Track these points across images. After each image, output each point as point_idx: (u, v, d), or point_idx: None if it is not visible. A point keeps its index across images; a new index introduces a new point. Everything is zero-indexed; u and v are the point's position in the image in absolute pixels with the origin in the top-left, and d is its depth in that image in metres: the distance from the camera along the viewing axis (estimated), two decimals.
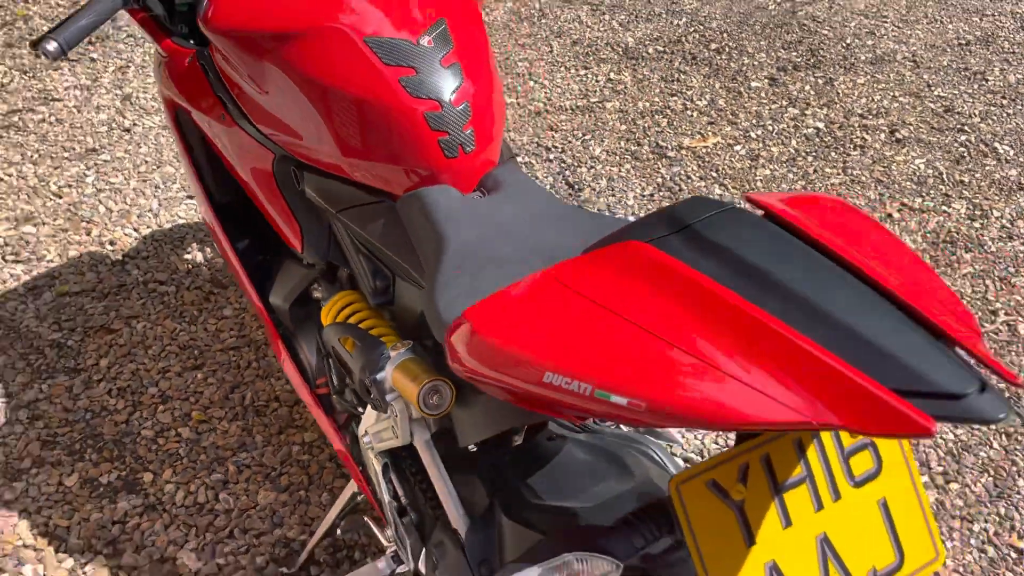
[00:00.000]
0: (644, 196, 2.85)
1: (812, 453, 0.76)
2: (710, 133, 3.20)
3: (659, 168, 2.98)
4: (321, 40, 1.15)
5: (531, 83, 3.42)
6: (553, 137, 3.11)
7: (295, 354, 1.52)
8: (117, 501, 1.75)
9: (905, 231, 2.69)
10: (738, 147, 3.11)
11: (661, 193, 2.87)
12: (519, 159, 2.97)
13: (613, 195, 2.84)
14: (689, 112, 3.31)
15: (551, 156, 3.00)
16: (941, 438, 2.03)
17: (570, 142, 3.09)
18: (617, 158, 3.03)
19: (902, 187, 2.92)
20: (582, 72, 3.53)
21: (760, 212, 0.79)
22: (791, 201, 0.81)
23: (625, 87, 3.45)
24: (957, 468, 1.94)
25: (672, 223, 0.77)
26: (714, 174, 2.97)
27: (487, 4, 3.99)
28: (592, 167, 2.97)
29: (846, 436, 0.80)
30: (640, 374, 0.66)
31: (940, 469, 1.95)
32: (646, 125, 3.21)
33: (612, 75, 3.53)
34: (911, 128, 3.25)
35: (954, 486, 1.90)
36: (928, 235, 2.69)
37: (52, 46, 1.37)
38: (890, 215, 2.78)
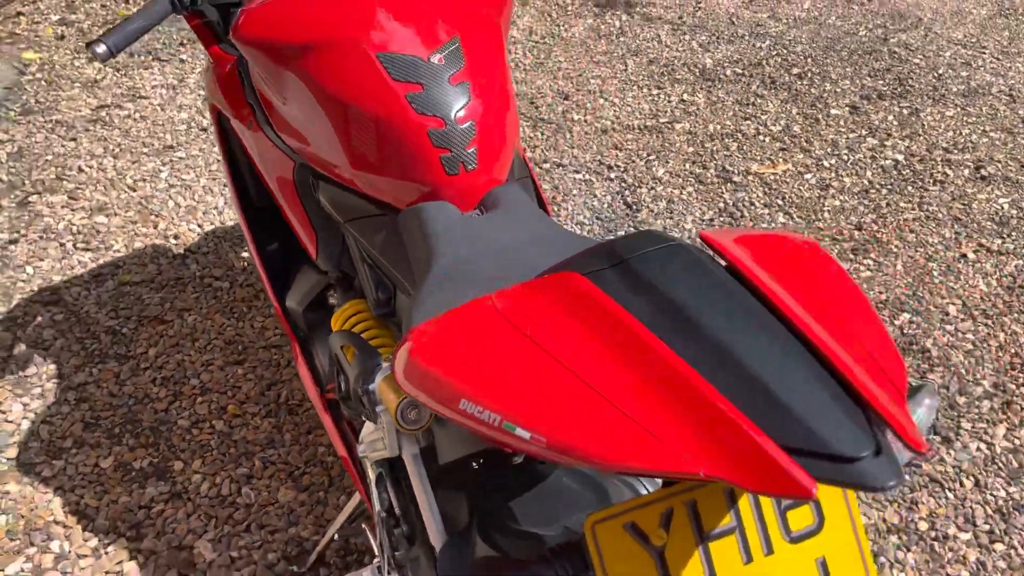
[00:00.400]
0: (703, 220, 2.79)
1: (744, 503, 0.73)
2: (781, 160, 3.12)
3: (723, 193, 2.92)
4: (336, 54, 1.17)
5: (601, 100, 3.40)
6: (617, 156, 3.08)
7: (309, 358, 1.54)
8: (146, 486, 1.82)
9: (979, 272, 2.56)
10: (809, 175, 3.02)
11: (721, 218, 2.80)
12: (579, 175, 2.96)
13: (671, 217, 2.79)
14: (761, 137, 3.23)
15: (612, 175, 2.98)
16: (992, 495, 1.92)
17: (633, 162, 3.05)
18: (680, 180, 2.98)
19: (981, 227, 2.77)
20: (655, 92, 3.49)
21: (711, 250, 0.76)
22: (747, 240, 0.78)
23: (697, 109, 3.39)
24: (1005, 528, 1.82)
25: (613, 256, 0.75)
26: (779, 202, 2.88)
27: (557, 18, 3.99)
28: (653, 188, 2.93)
29: None
30: (544, 409, 0.64)
31: (987, 527, 1.83)
32: (714, 148, 3.15)
33: (685, 96, 3.48)
34: (999, 165, 3.09)
35: (999, 547, 1.79)
36: (1004, 279, 2.54)
37: (101, 48, 1.43)
38: (964, 255, 2.65)
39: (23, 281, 2.34)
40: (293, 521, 1.76)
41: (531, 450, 0.65)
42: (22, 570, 1.65)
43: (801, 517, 0.74)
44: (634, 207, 2.84)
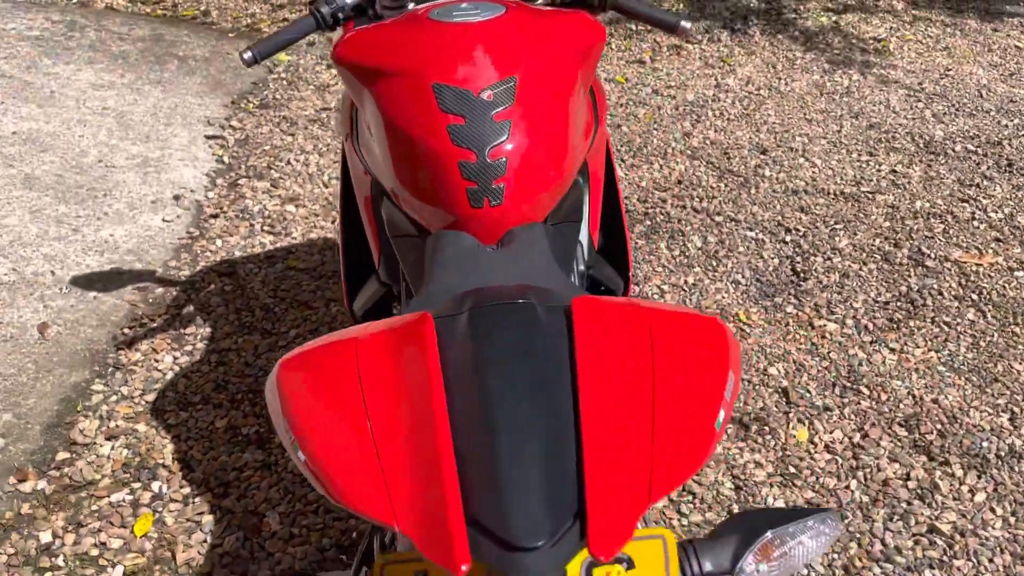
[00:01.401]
0: (875, 303, 2.56)
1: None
2: (991, 251, 2.79)
3: (909, 276, 2.66)
4: (400, 79, 1.23)
5: (801, 160, 3.23)
6: (800, 219, 2.91)
7: None
8: (245, 451, 1.99)
9: None
10: (1020, 273, 2.68)
11: (898, 303, 2.56)
12: (751, 233, 2.83)
13: (840, 293, 2.59)
14: (976, 223, 2.91)
15: (788, 238, 2.82)
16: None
17: (817, 228, 2.87)
18: (863, 255, 2.76)
19: None
20: (864, 158, 3.26)
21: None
22: (622, 311, 0.73)
23: (909, 182, 3.12)
24: None
25: (470, 303, 0.74)
26: (974, 296, 2.58)
27: (781, 71, 3.83)
28: (830, 259, 2.73)
29: None
30: (325, 448, 0.65)
31: None
32: (915, 227, 2.88)
33: (899, 167, 3.21)
34: None
35: None
36: None
37: (247, 55, 1.61)
38: None
39: (211, 252, 2.64)
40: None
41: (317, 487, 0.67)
42: (123, 500, 1.87)
43: None
44: (802, 275, 2.67)
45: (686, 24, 1.58)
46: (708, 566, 0.82)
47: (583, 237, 1.46)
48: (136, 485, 1.90)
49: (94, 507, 1.85)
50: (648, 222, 2.88)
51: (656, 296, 2.57)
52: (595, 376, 0.66)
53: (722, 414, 0.69)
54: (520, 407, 0.63)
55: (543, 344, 0.69)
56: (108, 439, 2.00)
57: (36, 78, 3.20)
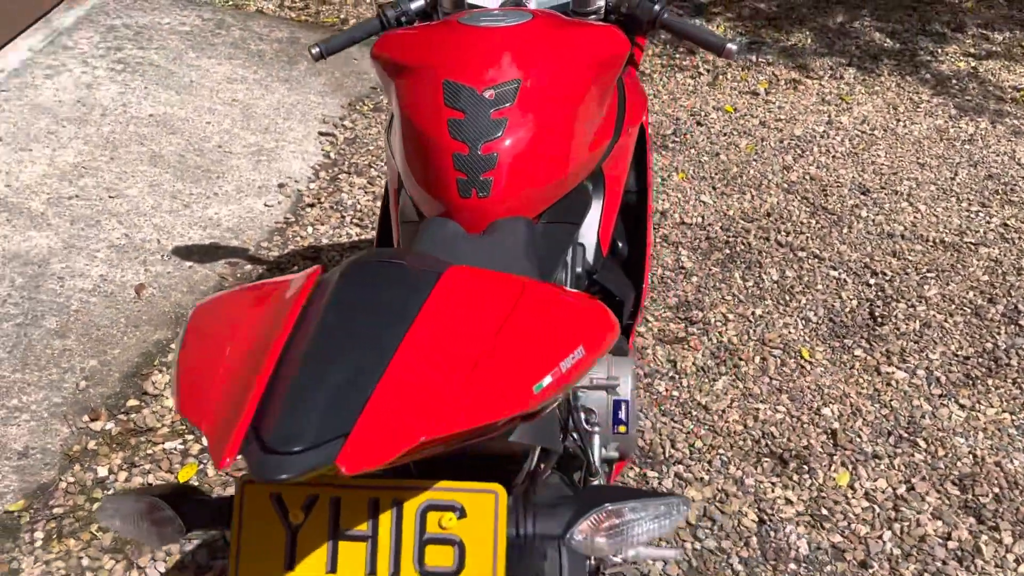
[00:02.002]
0: (954, 357, 2.44)
1: (386, 519, 0.72)
2: None
3: (998, 334, 2.52)
4: (418, 74, 1.32)
5: (904, 204, 3.10)
6: (889, 264, 2.80)
7: None
8: None
9: None
10: None
11: (979, 359, 2.43)
12: (834, 272, 2.75)
13: (917, 343, 2.48)
14: None
15: (872, 281, 2.72)
16: None
17: (906, 273, 2.75)
18: (952, 307, 2.62)
19: None
20: (974, 208, 3.09)
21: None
22: (486, 278, 0.78)
23: (1020, 238, 2.94)
24: None
25: (365, 258, 0.80)
26: None
27: (903, 112, 3.67)
28: (913, 307, 2.62)
29: (432, 522, 0.74)
30: (187, 370, 0.73)
31: None
32: (1016, 284, 2.72)
33: (1011, 221, 3.03)
34: None
35: None
36: None
37: (315, 51, 1.75)
38: None
39: (301, 237, 2.83)
40: None
41: None
42: (175, 449, 2.04)
43: (441, 555, 0.72)
44: (879, 320, 2.57)
45: (732, 46, 1.59)
46: (539, 527, 0.84)
47: (588, 240, 1.50)
48: (189, 437, 2.07)
49: (149, 451, 2.03)
50: (727, 251, 2.85)
51: (718, 324, 2.55)
52: (428, 328, 0.70)
53: (548, 380, 0.72)
54: (342, 343, 0.69)
55: (392, 296, 0.74)
56: None
57: (179, 68, 3.52)
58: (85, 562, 1.80)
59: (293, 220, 2.90)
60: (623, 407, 1.46)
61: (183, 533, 0.81)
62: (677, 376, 2.38)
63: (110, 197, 2.80)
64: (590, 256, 1.50)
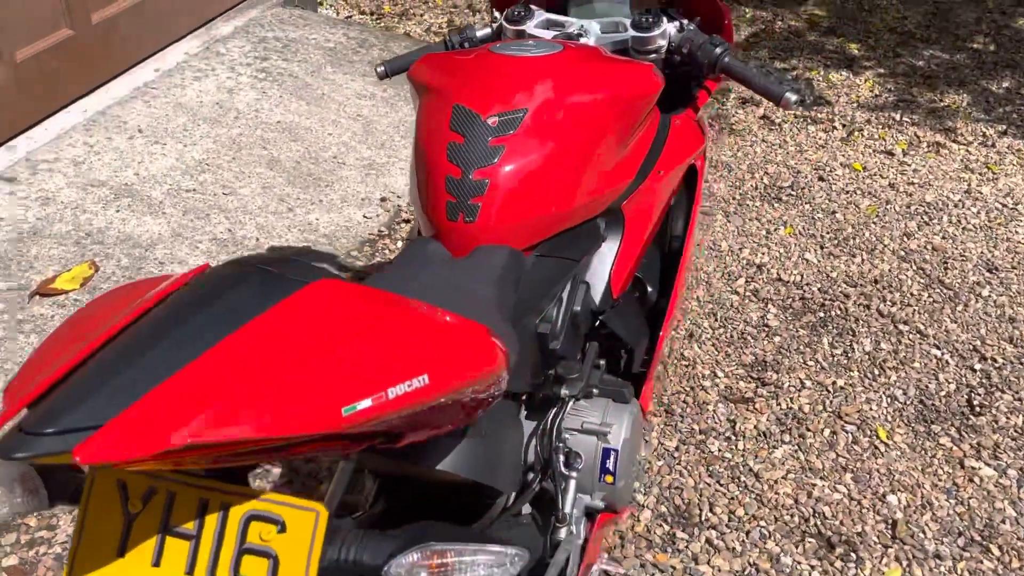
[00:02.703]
0: None
1: (211, 521, 0.71)
2: None
3: None
4: (435, 96, 1.33)
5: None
6: (1003, 350, 2.54)
7: None
8: None
9: None
10: None
11: None
12: (938, 352, 2.53)
13: (1015, 440, 2.24)
14: None
15: (978, 366, 2.48)
16: None
17: (1021, 364, 2.49)
18: None
19: None
20: None
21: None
22: (351, 293, 0.76)
23: None
24: None
25: (236, 261, 0.79)
26: None
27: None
28: (1021, 400, 2.37)
29: (254, 532, 0.72)
30: (38, 354, 0.75)
31: None
32: None
33: None
34: None
35: None
36: None
37: (380, 69, 1.81)
38: None
39: (390, 250, 2.91)
40: None
41: None
42: None
43: (256, 566, 0.71)
44: (976, 409, 2.34)
45: (791, 96, 1.52)
46: (362, 555, 0.80)
47: (596, 280, 1.46)
48: None
49: None
50: (821, 314, 2.69)
51: (792, 389, 2.40)
52: (255, 335, 0.69)
53: (365, 403, 0.69)
54: (157, 340, 0.69)
55: (235, 302, 0.73)
56: None
57: (315, 81, 3.72)
58: None
59: (386, 233, 2.99)
60: (612, 456, 1.40)
61: (47, 505, 0.84)
62: (734, 438, 2.26)
63: (224, 194, 2.98)
64: (596, 296, 1.45)
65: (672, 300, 1.62)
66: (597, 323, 1.47)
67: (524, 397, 1.43)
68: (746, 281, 2.83)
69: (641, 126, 1.46)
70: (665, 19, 1.63)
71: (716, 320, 2.65)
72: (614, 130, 1.35)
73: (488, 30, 1.79)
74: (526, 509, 1.40)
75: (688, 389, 2.40)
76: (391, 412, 0.71)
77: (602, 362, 1.53)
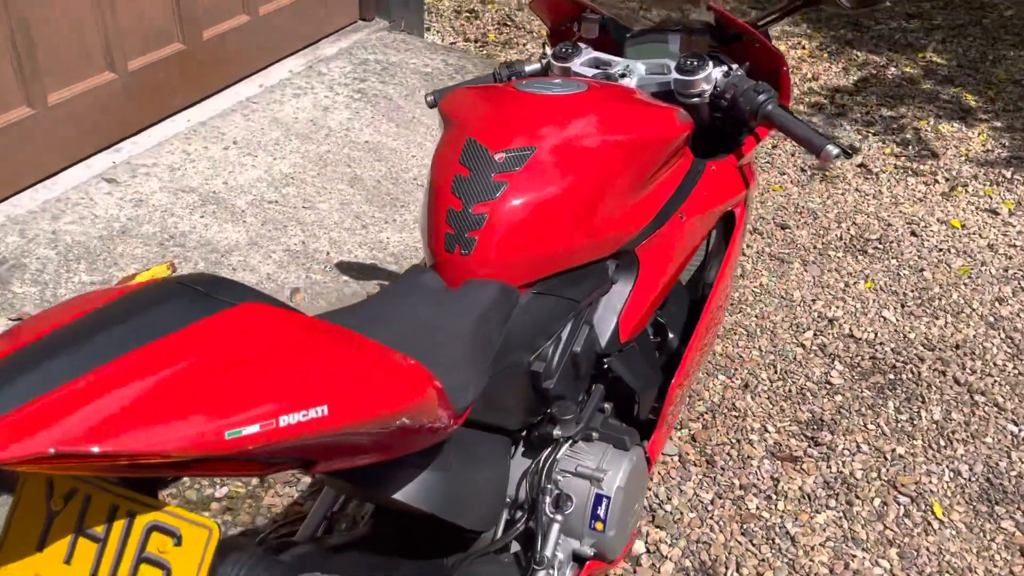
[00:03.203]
0: None
1: (118, 527, 0.73)
2: None
3: None
4: (454, 129, 1.35)
5: None
6: None
7: None
8: None
9: None
10: None
11: None
12: (1015, 428, 2.35)
13: None
14: None
15: None
16: None
17: None
18: None
19: None
20: None
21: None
22: (274, 317, 0.76)
23: None
24: None
25: (178, 277, 0.81)
26: None
27: None
28: None
29: (154, 542, 0.73)
30: None
31: None
32: None
33: None
34: None
35: None
36: None
37: (430, 98, 1.84)
38: None
39: None
40: None
41: None
42: None
43: (151, 575, 0.73)
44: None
45: (831, 149, 1.46)
46: (248, 574, 0.80)
47: (603, 322, 1.43)
48: None
49: None
50: (891, 376, 2.55)
51: (846, 453, 2.28)
52: (160, 352, 0.71)
53: (251, 429, 0.69)
54: (70, 347, 0.71)
55: (158, 316, 0.75)
56: None
57: (407, 104, 3.82)
58: None
59: None
60: (604, 503, 1.37)
61: None
62: (775, 497, 2.16)
63: (303, 207, 3.10)
64: (602, 338, 1.42)
65: (688, 349, 1.58)
66: (604, 366, 1.44)
67: (524, 434, 1.41)
68: (815, 334, 2.72)
69: (664, 169, 1.44)
70: (711, 63, 1.60)
71: (776, 372, 2.56)
72: (627, 172, 1.33)
73: (538, 65, 1.80)
74: (516, 548, 1.39)
75: (734, 441, 2.31)
76: (283, 440, 0.72)
77: (607, 406, 1.50)
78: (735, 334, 2.71)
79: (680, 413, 1.78)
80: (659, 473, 2.19)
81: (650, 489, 2.15)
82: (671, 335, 1.60)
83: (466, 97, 1.43)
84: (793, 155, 3.72)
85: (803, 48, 4.72)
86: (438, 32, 4.75)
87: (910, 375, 2.56)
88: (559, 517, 1.34)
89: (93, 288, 2.59)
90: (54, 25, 2.86)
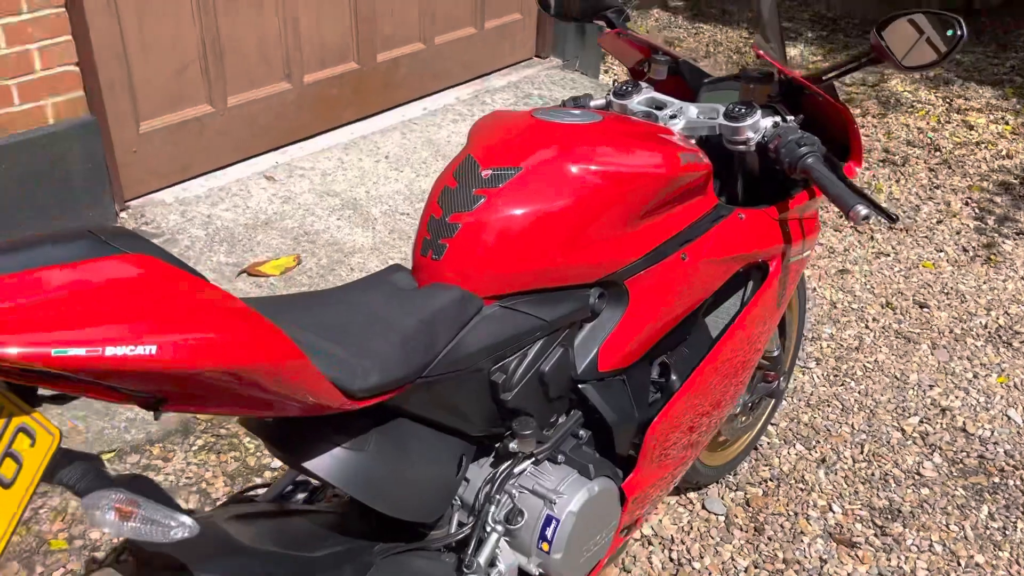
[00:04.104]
0: None
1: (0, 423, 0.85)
2: None
3: None
4: (464, 148, 1.42)
5: None
6: None
7: None
8: None
9: None
10: None
11: None
12: None
13: None
14: None
15: None
16: None
17: None
18: None
19: None
20: None
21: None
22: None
23: None
24: None
25: (91, 226, 0.93)
26: None
27: None
28: None
29: (18, 441, 0.84)
30: None
31: None
32: None
33: None
34: None
35: None
36: None
37: None
38: None
39: None
40: None
41: None
42: None
43: (10, 467, 0.84)
44: None
45: (861, 209, 1.40)
46: (78, 478, 0.89)
47: (582, 349, 1.43)
48: None
49: None
50: (995, 479, 2.30)
51: (915, 548, 2.08)
52: (34, 276, 0.82)
53: (76, 351, 0.74)
54: None
55: (56, 253, 0.86)
56: None
57: None
58: None
59: None
60: (553, 525, 1.38)
61: None
62: None
63: None
64: (579, 364, 1.43)
65: (677, 395, 1.53)
66: (580, 393, 1.44)
67: (497, 444, 1.44)
68: (920, 421, 2.50)
69: (667, 206, 1.42)
70: (759, 111, 1.57)
71: (862, 453, 2.38)
72: (616, 203, 1.33)
73: (603, 100, 1.84)
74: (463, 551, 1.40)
75: (791, 514, 2.18)
76: (107, 368, 0.81)
77: (583, 433, 1.49)
78: (829, 406, 2.55)
79: (685, 465, 1.71)
80: (697, 529, 2.12)
81: (682, 543, 2.08)
82: (674, 377, 1.57)
83: (489, 119, 1.50)
84: (958, 233, 3.45)
85: (1006, 124, 4.36)
86: (614, 74, 4.83)
87: (1019, 483, 2.29)
88: (500, 528, 1.36)
89: (227, 268, 2.89)
90: (242, 37, 3.24)
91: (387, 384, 1.13)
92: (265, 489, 1.49)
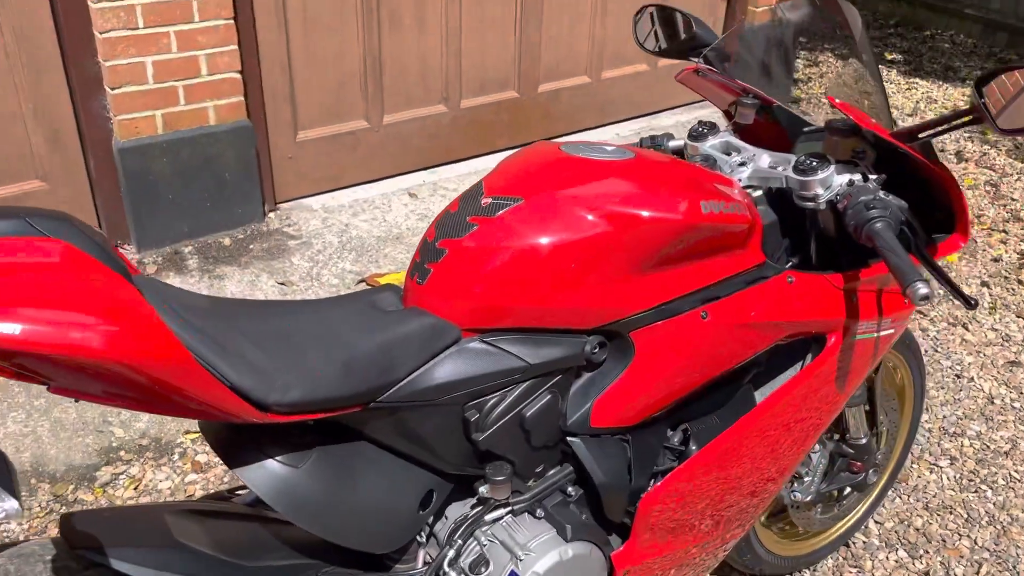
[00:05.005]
0: None
1: None
2: None
3: None
4: (484, 177, 1.37)
5: None
6: None
7: None
8: None
9: None
10: None
11: None
12: None
13: None
14: None
15: None
16: None
17: None
18: None
19: None
20: None
21: None
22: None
23: None
24: None
25: (36, 209, 0.95)
26: None
27: None
28: None
29: None
30: None
31: None
32: None
33: None
34: None
35: None
36: None
37: None
38: None
39: None
40: None
41: None
42: None
43: None
44: None
45: (919, 287, 1.22)
46: None
47: (574, 398, 1.32)
48: None
49: None
50: None
51: None
52: None
53: None
54: None
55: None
56: None
57: None
58: None
59: None
60: None
61: None
62: None
63: None
64: (570, 415, 1.31)
65: (684, 465, 1.36)
66: (569, 447, 1.33)
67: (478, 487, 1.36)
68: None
69: (690, 258, 1.28)
70: (832, 166, 1.39)
71: (977, 573, 2.04)
72: (620, 247, 1.21)
73: (680, 142, 1.71)
74: None
75: None
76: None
77: (571, 490, 1.37)
78: (951, 513, 2.21)
79: (718, 545, 1.52)
80: None
81: None
82: (692, 446, 1.40)
83: (523, 150, 1.43)
84: None
85: None
86: None
87: None
88: (453, 573, 1.28)
89: (349, 275, 2.99)
90: (403, 60, 3.37)
91: (317, 402, 1.09)
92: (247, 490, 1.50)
